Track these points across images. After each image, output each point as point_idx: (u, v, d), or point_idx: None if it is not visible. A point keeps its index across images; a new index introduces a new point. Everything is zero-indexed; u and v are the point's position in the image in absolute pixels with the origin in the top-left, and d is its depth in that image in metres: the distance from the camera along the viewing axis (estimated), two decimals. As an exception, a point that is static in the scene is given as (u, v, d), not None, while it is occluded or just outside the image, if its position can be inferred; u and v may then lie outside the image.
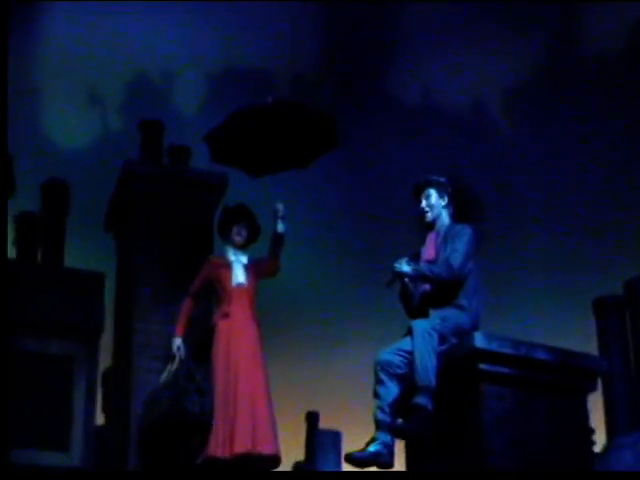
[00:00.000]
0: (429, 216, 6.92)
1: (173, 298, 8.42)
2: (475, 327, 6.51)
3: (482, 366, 6.12)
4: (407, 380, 6.37)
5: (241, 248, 8.04)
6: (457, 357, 6.27)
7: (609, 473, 7.77)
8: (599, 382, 6.67)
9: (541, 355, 6.29)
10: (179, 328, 7.89)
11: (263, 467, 7.62)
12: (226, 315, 7.74)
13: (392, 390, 6.37)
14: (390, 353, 6.47)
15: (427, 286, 6.74)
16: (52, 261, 9.37)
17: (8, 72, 7.74)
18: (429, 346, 6.29)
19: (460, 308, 6.57)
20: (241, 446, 7.29)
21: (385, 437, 6.30)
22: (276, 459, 7.57)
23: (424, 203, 6.93)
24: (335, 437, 9.23)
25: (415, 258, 6.89)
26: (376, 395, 6.40)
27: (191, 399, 7.40)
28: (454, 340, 6.41)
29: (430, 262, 6.74)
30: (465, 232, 6.77)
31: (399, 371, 6.40)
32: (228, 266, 7.91)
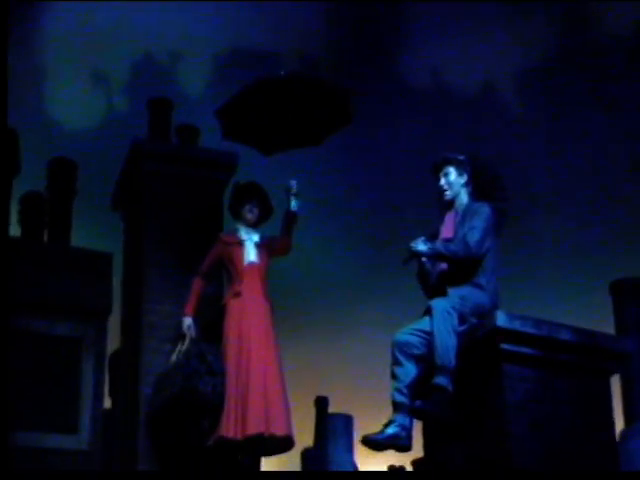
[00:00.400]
0: (448, 194, 6.76)
1: (183, 278, 8.25)
2: (495, 307, 6.36)
3: (504, 346, 5.97)
4: (425, 361, 6.24)
5: (253, 226, 7.89)
6: (478, 337, 6.12)
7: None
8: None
9: (564, 335, 6.15)
10: (189, 307, 7.74)
11: (276, 449, 7.48)
12: (238, 294, 7.58)
13: (410, 371, 6.24)
14: (408, 333, 6.33)
15: (444, 265, 6.59)
16: (58, 241, 9.19)
17: (8, 48, 7.55)
18: (449, 325, 6.15)
19: (479, 287, 6.42)
20: (254, 427, 7.14)
21: (403, 419, 6.17)
22: (289, 441, 7.42)
23: (443, 181, 6.77)
24: (347, 421, 9.09)
25: (433, 237, 6.73)
26: (393, 376, 6.27)
27: (202, 379, 7.21)
28: (474, 320, 6.27)
29: (447, 241, 6.58)
30: (483, 210, 6.61)
31: (417, 352, 6.26)
32: (240, 244, 7.76)
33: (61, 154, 9.90)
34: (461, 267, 6.46)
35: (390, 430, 6.13)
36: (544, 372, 6.08)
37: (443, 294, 6.36)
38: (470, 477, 6.07)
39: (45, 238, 9.37)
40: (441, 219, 6.82)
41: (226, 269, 7.82)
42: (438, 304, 6.23)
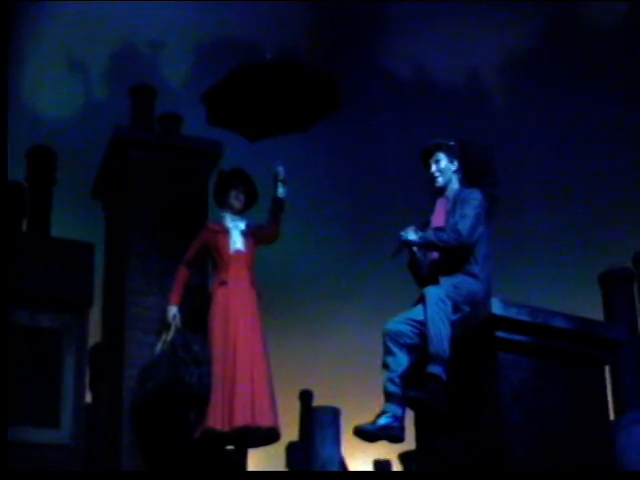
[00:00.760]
0: (440, 181, 6.61)
1: (167, 269, 8.09)
2: (488, 296, 6.21)
3: (499, 334, 5.82)
4: (418, 351, 6.10)
5: (239, 214, 7.75)
6: (472, 325, 5.98)
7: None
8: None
9: (560, 323, 6.01)
10: (174, 297, 7.58)
11: (262, 441, 7.34)
12: (224, 283, 7.44)
13: (402, 361, 6.09)
14: (400, 322, 6.18)
15: (436, 254, 6.44)
16: (38, 231, 9.00)
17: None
18: (442, 314, 6.01)
19: (472, 276, 6.28)
20: (241, 419, 7.00)
21: (396, 410, 6.02)
22: (275, 432, 7.28)
23: (434, 168, 6.62)
24: (334, 413, 8.97)
25: (424, 226, 6.59)
26: (385, 366, 6.12)
27: (188, 370, 7.06)
28: (467, 308, 6.14)
29: (439, 229, 6.44)
30: (474, 197, 6.47)
31: (409, 341, 6.12)
32: (226, 232, 7.62)
33: (40, 143, 9.71)
34: (453, 256, 6.32)
35: (382, 421, 5.99)
36: (540, 361, 5.93)
37: (436, 284, 6.22)
38: (463, 468, 5.94)
39: (24, 228, 9.18)
40: (431, 207, 6.68)
41: (212, 257, 7.68)
42: (431, 292, 6.09)
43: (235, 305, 7.37)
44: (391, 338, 6.14)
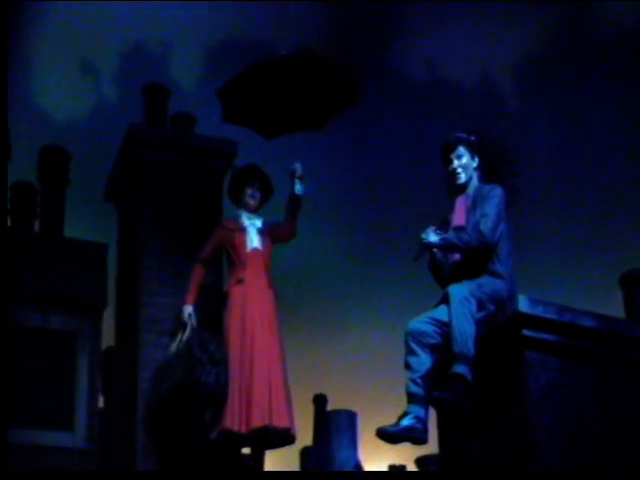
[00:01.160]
0: (462, 177, 6.45)
1: (182, 269, 7.96)
2: (512, 294, 6.07)
3: (526, 332, 5.68)
4: (440, 351, 5.96)
5: (254, 211, 7.63)
6: (498, 324, 5.84)
7: None
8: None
9: (588, 322, 5.86)
10: (190, 296, 7.46)
11: (278, 443, 7.22)
12: (240, 281, 7.32)
13: (425, 361, 5.95)
14: (422, 322, 6.04)
15: (457, 256, 6.29)
16: (51, 232, 8.86)
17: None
18: (467, 312, 5.87)
19: (496, 275, 6.14)
20: (259, 420, 6.86)
21: (419, 411, 5.88)
22: (292, 434, 7.16)
23: (456, 163, 6.45)
24: (351, 417, 8.85)
25: (443, 225, 6.44)
26: (407, 367, 5.97)
27: (205, 369, 6.91)
28: (491, 307, 5.99)
29: (459, 228, 6.29)
30: (495, 194, 6.31)
31: (432, 341, 5.97)
32: (242, 230, 7.51)
33: (52, 143, 9.57)
34: (475, 256, 6.18)
35: (405, 422, 5.84)
36: (567, 360, 5.80)
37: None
38: (488, 469, 5.80)
39: (36, 229, 9.04)
40: (451, 204, 6.53)
41: (228, 256, 7.56)
42: (455, 290, 5.95)
43: (252, 304, 7.24)
44: (414, 338, 6.00)
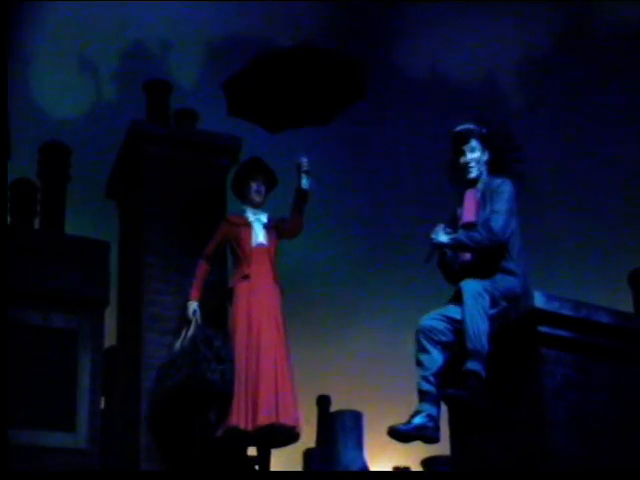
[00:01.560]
0: (474, 171, 6.31)
1: (185, 268, 7.84)
2: (525, 291, 5.94)
3: (542, 328, 5.55)
4: (452, 349, 5.83)
5: (259, 206, 7.51)
6: (512, 320, 5.71)
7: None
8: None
9: (604, 318, 5.73)
10: (194, 292, 7.35)
11: (284, 441, 7.11)
12: (246, 277, 7.21)
13: (437, 359, 5.82)
14: (434, 319, 5.92)
15: (468, 255, 6.15)
16: (52, 229, 8.69)
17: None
18: (480, 308, 5.74)
19: (509, 272, 6.01)
20: (266, 418, 6.74)
21: (431, 409, 5.75)
22: (297, 432, 7.05)
23: (469, 157, 6.30)
24: (357, 418, 8.72)
25: (452, 221, 6.31)
26: (419, 364, 5.85)
27: (210, 366, 6.77)
28: (504, 303, 5.86)
29: (470, 225, 6.14)
30: (504, 189, 6.17)
31: (444, 338, 5.85)
32: (247, 225, 7.40)
33: (53, 139, 9.41)
34: (487, 254, 6.04)
35: (417, 420, 5.72)
36: (583, 357, 5.67)
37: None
38: (502, 468, 5.66)
39: (37, 226, 8.89)
40: (459, 199, 6.39)
41: (233, 251, 7.44)
42: (469, 286, 5.81)
43: (258, 299, 7.13)
44: (425, 335, 5.88)
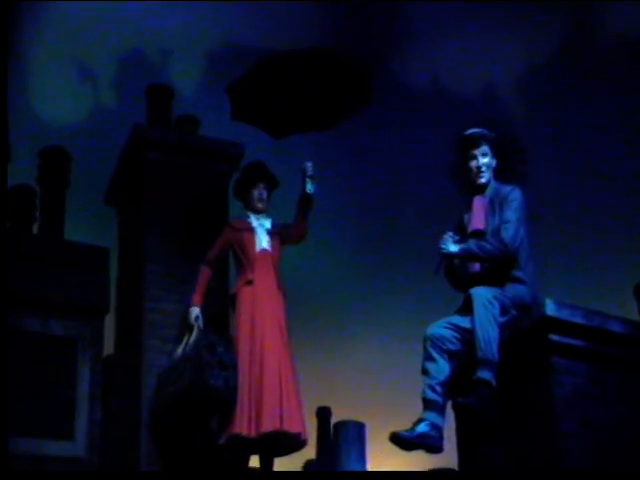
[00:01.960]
0: (485, 177, 6.22)
1: (186, 274, 7.74)
2: (535, 299, 5.86)
3: (553, 337, 5.46)
4: (459, 358, 5.73)
5: (263, 212, 7.44)
6: (523, 328, 5.61)
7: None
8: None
9: (616, 327, 5.65)
10: (196, 297, 7.23)
11: (288, 449, 6.98)
12: (249, 282, 7.11)
13: (443, 368, 5.72)
14: (442, 327, 5.82)
15: (478, 266, 6.06)
16: (51, 235, 8.58)
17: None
18: (490, 316, 5.64)
19: (518, 281, 5.92)
20: (269, 425, 6.62)
21: (435, 418, 5.64)
22: (302, 439, 6.92)
23: (481, 162, 6.22)
24: (359, 429, 8.61)
25: (460, 228, 6.21)
26: (425, 372, 5.75)
27: (213, 373, 6.64)
28: (514, 312, 5.77)
29: (478, 233, 6.05)
30: (514, 197, 6.10)
31: (452, 347, 5.76)
32: (251, 230, 7.31)
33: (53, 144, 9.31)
34: (497, 265, 5.95)
35: (420, 428, 5.62)
36: (595, 366, 5.59)
37: (478, 288, 5.86)
38: (511, 478, 5.56)
39: (36, 232, 8.78)
40: (467, 205, 6.29)
41: (236, 257, 7.34)
42: (479, 293, 5.72)
43: (262, 305, 7.03)
44: (433, 343, 5.78)
